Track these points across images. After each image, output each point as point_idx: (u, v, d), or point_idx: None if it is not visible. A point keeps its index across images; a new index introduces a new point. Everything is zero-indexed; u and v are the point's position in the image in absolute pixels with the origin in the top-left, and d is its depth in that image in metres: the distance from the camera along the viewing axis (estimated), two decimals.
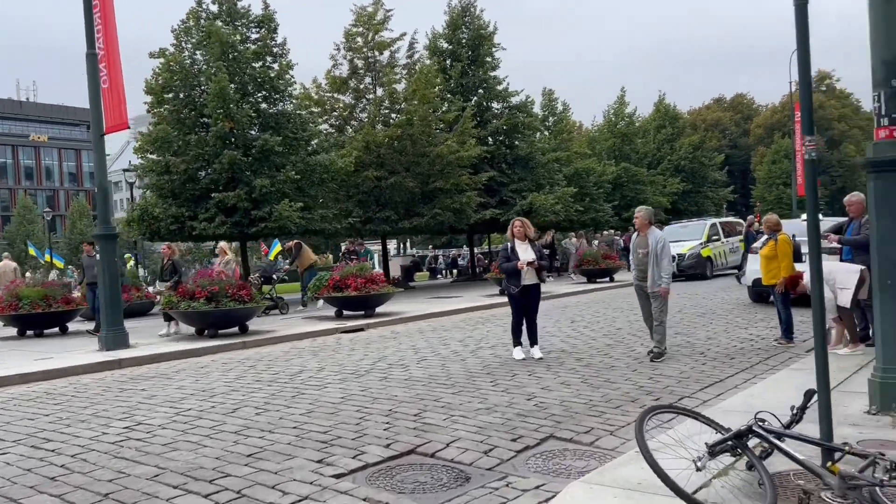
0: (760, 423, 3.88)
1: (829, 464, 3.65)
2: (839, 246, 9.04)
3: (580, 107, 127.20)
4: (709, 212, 41.96)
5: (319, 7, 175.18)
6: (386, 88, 25.13)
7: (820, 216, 10.37)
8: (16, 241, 62.25)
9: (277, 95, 22.48)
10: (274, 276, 16.98)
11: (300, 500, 4.23)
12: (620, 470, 4.19)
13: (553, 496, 4.02)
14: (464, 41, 29.88)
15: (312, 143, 23.90)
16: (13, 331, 15.13)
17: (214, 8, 22.11)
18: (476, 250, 37.37)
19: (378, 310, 15.62)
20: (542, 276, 8.93)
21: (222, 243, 15.37)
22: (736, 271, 19.60)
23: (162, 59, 20.97)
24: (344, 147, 23.57)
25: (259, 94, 22.08)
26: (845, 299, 7.87)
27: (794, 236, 9.56)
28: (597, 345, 9.91)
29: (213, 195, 19.95)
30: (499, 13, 31.87)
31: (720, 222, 24.19)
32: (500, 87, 30.19)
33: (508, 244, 9.00)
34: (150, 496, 4.40)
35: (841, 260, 9.30)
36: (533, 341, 8.99)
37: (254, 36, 22.34)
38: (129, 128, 13.76)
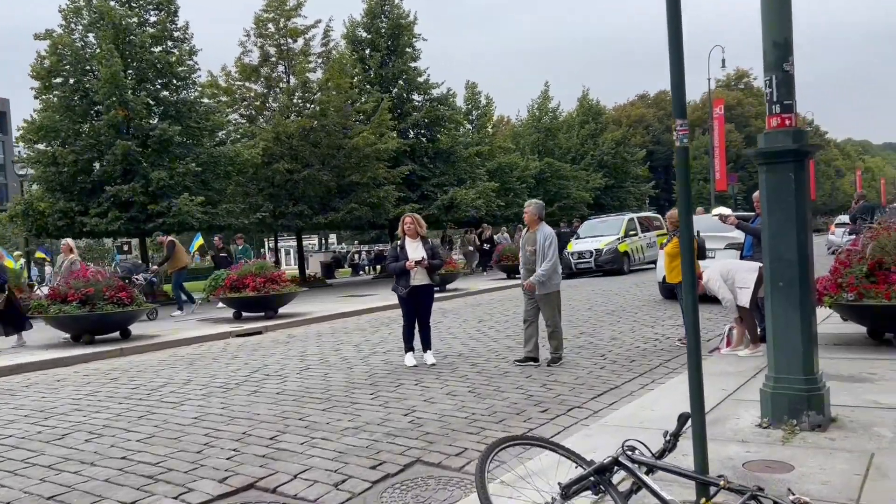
0: (629, 453, 3.32)
1: (703, 501, 3.12)
2: (741, 241, 8.78)
3: (508, 102, 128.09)
4: (631, 207, 42.41)
5: None
6: (298, 77, 24.04)
7: (728, 210, 10.09)
8: None
9: (180, 83, 21.15)
10: (137, 278, 14.96)
11: None
12: None
13: None
14: (383, 30, 29.03)
15: (220, 133, 22.67)
16: None
17: None
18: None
19: (282, 310, 14.73)
20: (434, 277, 8.26)
21: (67, 240, 14.05)
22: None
23: (49, 42, 19.35)
24: (255, 138, 22.42)
25: (159, 82, 20.70)
26: (745, 299, 7.53)
27: (698, 233, 9.23)
28: (497, 347, 9.36)
29: (106, 188, 18.53)
30: (420, 4, 31.07)
31: (638, 217, 24.18)
32: (420, 79, 29.50)
33: (398, 242, 8.32)
34: None
35: (742, 257, 9.05)
36: (426, 346, 8.35)
37: (153, 19, 20.91)
38: None
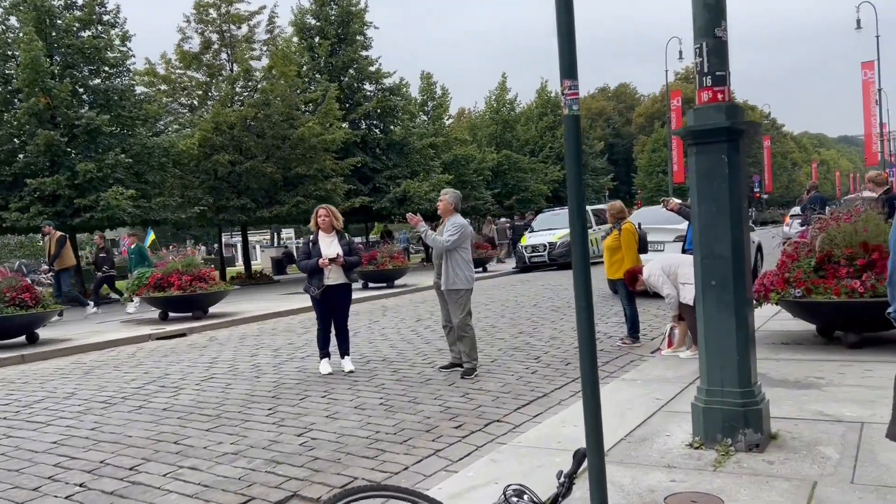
0: (512, 501, 2.62)
1: None
2: (684, 231, 8.21)
3: (466, 93, 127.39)
4: (590, 199, 42.10)
5: None
6: (241, 65, 22.95)
7: (677, 200, 9.50)
8: None
9: (112, 70, 19.94)
10: (36, 278, 13.67)
11: None
12: None
13: None
14: (332, 18, 28.03)
15: (159, 124, 21.51)
16: None
17: None
18: (357, 240, 35.72)
19: (213, 310, 13.84)
20: (352, 275, 7.49)
21: None
22: None
23: None
24: (194, 128, 21.31)
25: (88, 69, 19.47)
26: (689, 296, 6.88)
27: (639, 225, 8.64)
28: (427, 350, 8.64)
29: (27, 181, 17.32)
30: None
31: (592, 210, 23.67)
32: (372, 68, 28.61)
33: (310, 237, 7.53)
34: None
35: (684, 250, 8.48)
36: (344, 351, 7.59)
37: (80, 1, 19.64)
38: None
